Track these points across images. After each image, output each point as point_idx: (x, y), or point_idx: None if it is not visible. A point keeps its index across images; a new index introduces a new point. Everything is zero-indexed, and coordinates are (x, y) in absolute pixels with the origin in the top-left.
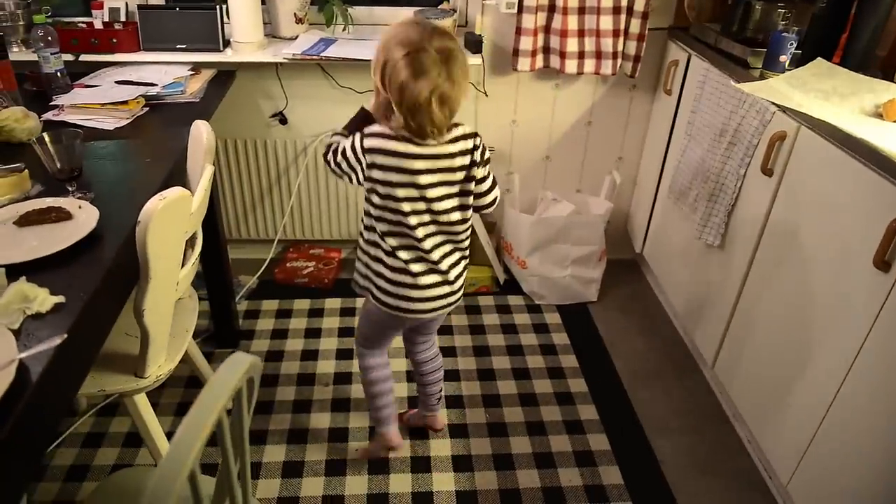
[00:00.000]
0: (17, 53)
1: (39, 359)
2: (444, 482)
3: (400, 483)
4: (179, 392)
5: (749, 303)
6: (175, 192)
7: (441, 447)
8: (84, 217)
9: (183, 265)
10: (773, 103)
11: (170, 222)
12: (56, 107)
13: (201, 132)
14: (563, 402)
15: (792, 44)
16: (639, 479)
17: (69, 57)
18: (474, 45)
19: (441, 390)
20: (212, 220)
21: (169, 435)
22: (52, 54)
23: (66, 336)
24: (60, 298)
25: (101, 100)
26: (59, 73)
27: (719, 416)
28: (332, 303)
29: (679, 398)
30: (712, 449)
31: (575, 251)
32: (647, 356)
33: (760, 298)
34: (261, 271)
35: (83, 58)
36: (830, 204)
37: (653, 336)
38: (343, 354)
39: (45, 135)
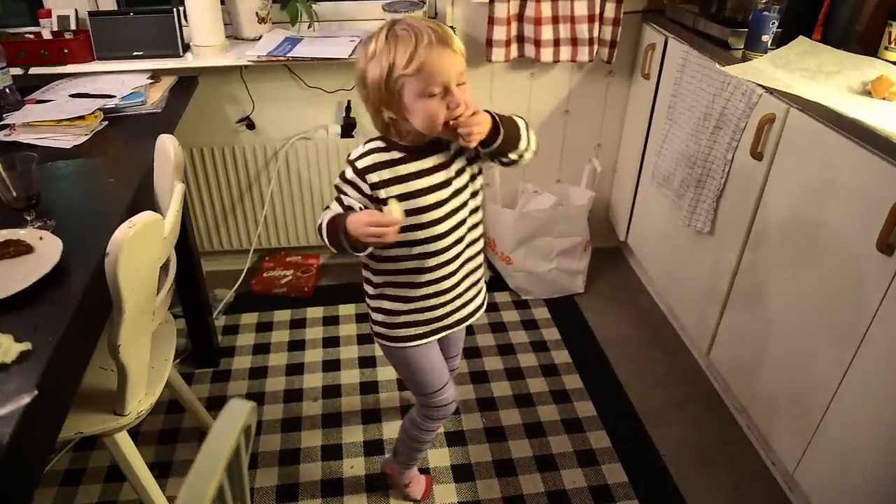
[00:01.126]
0: None
1: (8, 419)
2: (446, 494)
3: (401, 499)
4: (160, 419)
5: (744, 288)
6: (145, 217)
7: (440, 457)
8: (46, 249)
9: (158, 291)
10: (760, 85)
11: (142, 250)
12: (7, 126)
13: (168, 147)
14: (559, 400)
15: (774, 23)
16: (643, 476)
17: (17, 71)
18: None
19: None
20: (183, 234)
21: (152, 466)
22: None
23: (35, 393)
24: (27, 345)
25: (56, 116)
26: (7, 90)
27: (717, 404)
28: (314, 312)
29: (675, 388)
30: (713, 438)
31: (559, 243)
32: (639, 346)
33: (756, 284)
34: (238, 284)
35: (33, 70)
36: (826, 186)
37: (642, 325)
38: (329, 366)
39: None
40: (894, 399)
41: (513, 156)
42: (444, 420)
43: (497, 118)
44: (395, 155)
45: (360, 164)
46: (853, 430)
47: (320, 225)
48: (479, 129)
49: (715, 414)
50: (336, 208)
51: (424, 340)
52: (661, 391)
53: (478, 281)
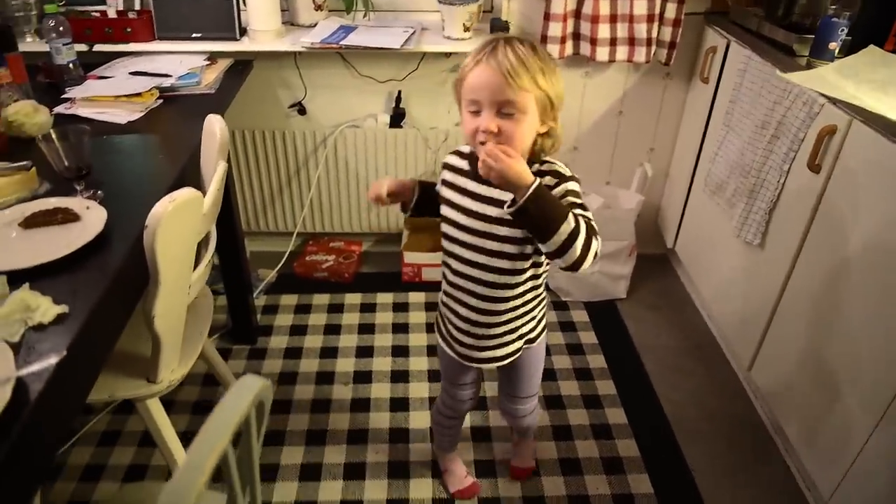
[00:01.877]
0: (31, 44)
1: (39, 376)
2: None
3: (421, 488)
4: (196, 391)
5: (791, 305)
6: (185, 193)
7: (464, 451)
8: (92, 218)
9: (196, 266)
10: (823, 94)
11: (180, 225)
12: (68, 100)
13: (214, 127)
14: (590, 405)
15: (843, 30)
16: (669, 488)
17: (83, 47)
18: (500, 31)
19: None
20: (228, 214)
21: (182, 436)
22: (63, 45)
23: (64, 354)
24: (64, 308)
25: (114, 92)
26: (71, 65)
27: (754, 422)
28: (353, 298)
29: (712, 401)
30: (747, 457)
31: (604, 246)
32: (678, 357)
33: (804, 301)
34: (280, 265)
35: (97, 48)
36: (886, 205)
37: (684, 336)
38: (362, 352)
39: (51, 132)
40: None
41: (543, 246)
42: (454, 414)
43: (538, 191)
44: (464, 166)
45: (446, 159)
46: (894, 464)
47: None
48: (496, 164)
49: (751, 432)
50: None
51: (444, 345)
52: (697, 404)
53: (495, 337)
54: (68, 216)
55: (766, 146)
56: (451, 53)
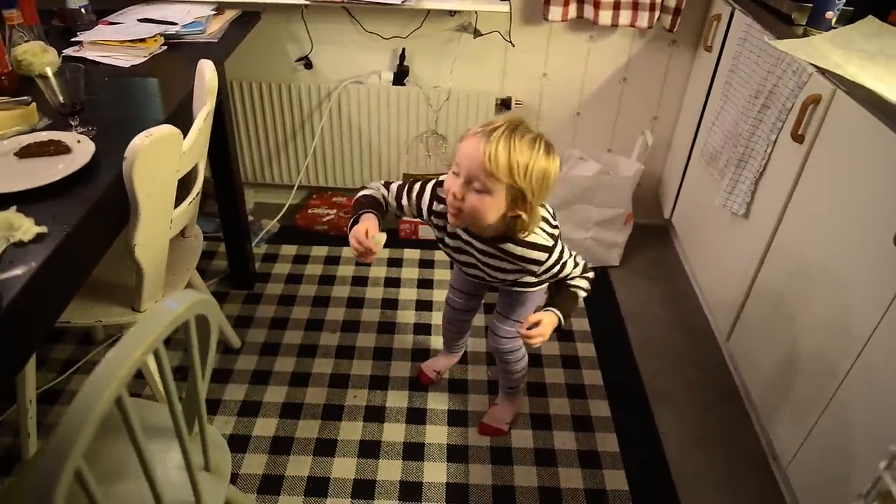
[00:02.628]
0: None
1: (12, 285)
2: (436, 435)
3: (394, 433)
4: None
5: (768, 276)
6: (163, 129)
7: (439, 401)
8: (81, 151)
9: (181, 203)
10: (812, 63)
11: (158, 160)
12: (77, 43)
13: (204, 72)
14: (568, 365)
15: None
16: (635, 450)
17: None
18: None
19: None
20: (228, 163)
21: (177, 370)
22: None
23: (34, 266)
24: (43, 229)
25: (121, 37)
26: (83, 10)
27: (731, 393)
28: (350, 251)
29: (691, 371)
30: (718, 426)
31: (599, 213)
32: (663, 326)
33: (780, 272)
34: (280, 215)
35: None
36: (862, 177)
37: (673, 306)
38: (353, 303)
39: (48, 69)
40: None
41: None
42: (450, 317)
43: (563, 319)
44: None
45: (436, 207)
46: (848, 433)
47: (363, 194)
48: (542, 339)
49: (727, 403)
50: (389, 189)
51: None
52: (676, 372)
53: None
54: (60, 148)
55: (757, 115)
56: (455, 12)
